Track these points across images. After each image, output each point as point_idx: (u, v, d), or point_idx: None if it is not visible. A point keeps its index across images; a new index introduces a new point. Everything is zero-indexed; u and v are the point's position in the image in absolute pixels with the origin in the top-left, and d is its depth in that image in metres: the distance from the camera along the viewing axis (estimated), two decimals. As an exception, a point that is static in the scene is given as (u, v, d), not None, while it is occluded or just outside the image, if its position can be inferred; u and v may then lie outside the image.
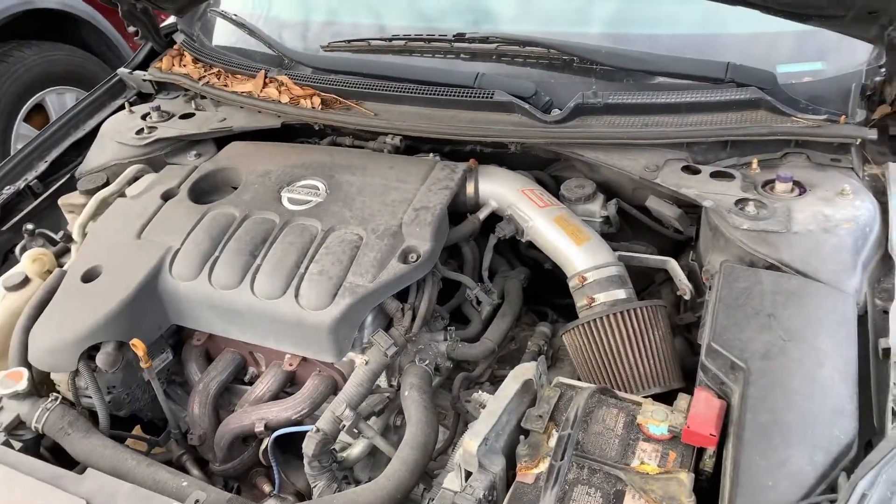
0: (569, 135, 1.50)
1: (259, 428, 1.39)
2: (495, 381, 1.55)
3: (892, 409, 1.00)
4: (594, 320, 1.30)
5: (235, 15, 2.10)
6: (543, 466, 1.04)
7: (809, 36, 1.57)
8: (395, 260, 1.36)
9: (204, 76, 1.98)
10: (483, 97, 1.57)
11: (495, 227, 1.54)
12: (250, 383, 1.54)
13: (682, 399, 1.10)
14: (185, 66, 2.06)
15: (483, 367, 1.53)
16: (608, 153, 1.50)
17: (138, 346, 1.36)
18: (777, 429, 0.98)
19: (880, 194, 1.36)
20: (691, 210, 1.47)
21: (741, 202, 1.33)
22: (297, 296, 1.34)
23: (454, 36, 1.73)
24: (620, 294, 1.35)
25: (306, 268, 1.37)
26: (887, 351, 1.09)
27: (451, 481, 1.09)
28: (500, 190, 1.54)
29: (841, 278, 1.19)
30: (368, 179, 1.54)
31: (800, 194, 1.34)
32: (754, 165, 1.44)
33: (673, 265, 1.41)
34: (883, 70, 1.45)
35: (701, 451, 1.05)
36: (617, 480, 1.01)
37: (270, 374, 1.49)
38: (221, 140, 1.85)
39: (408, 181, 1.52)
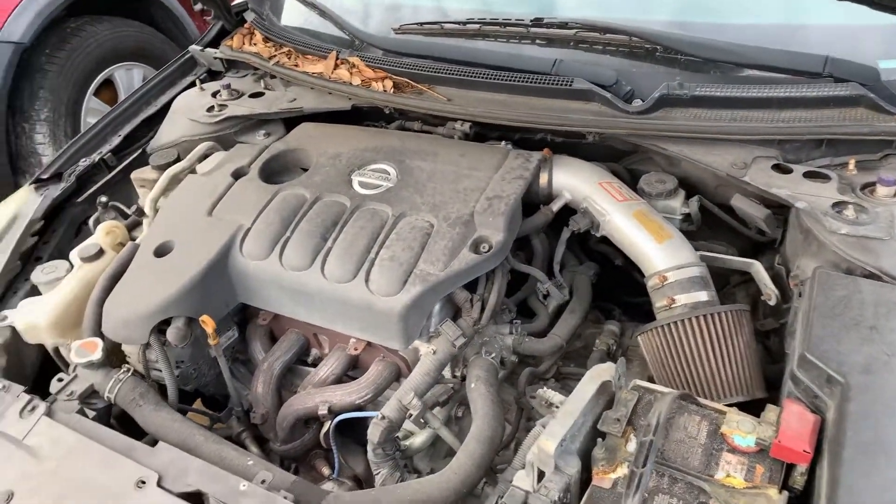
0: (652, 126, 1.44)
1: (323, 411, 1.38)
2: (560, 378, 1.52)
3: None
4: (675, 322, 1.25)
5: (307, -4, 2.09)
6: (621, 471, 1.00)
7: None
8: (467, 249, 1.33)
9: (274, 55, 1.97)
10: (561, 84, 1.51)
11: (569, 220, 1.49)
12: (313, 365, 1.54)
13: (770, 411, 1.04)
14: (255, 44, 2.06)
15: (549, 364, 1.50)
16: (693, 147, 1.43)
17: (208, 323, 1.37)
18: (881, 448, 0.91)
19: None
20: (778, 211, 1.40)
21: (839, 205, 1.25)
22: (367, 281, 1.32)
23: (531, 21, 1.67)
24: (703, 296, 1.29)
25: (377, 253, 1.36)
26: None
27: (520, 479, 1.06)
28: (575, 181, 1.50)
29: (949, 291, 1.11)
30: (440, 166, 1.51)
31: (903, 200, 1.26)
32: (851, 166, 1.36)
33: (758, 268, 1.34)
34: None
35: (790, 468, 0.99)
36: (700, 492, 0.96)
37: (334, 358, 1.48)
38: (290, 120, 1.84)
39: (480, 169, 1.48)
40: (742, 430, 1.02)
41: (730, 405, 1.14)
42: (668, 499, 0.96)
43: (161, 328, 1.41)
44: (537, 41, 1.70)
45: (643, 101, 1.47)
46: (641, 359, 1.45)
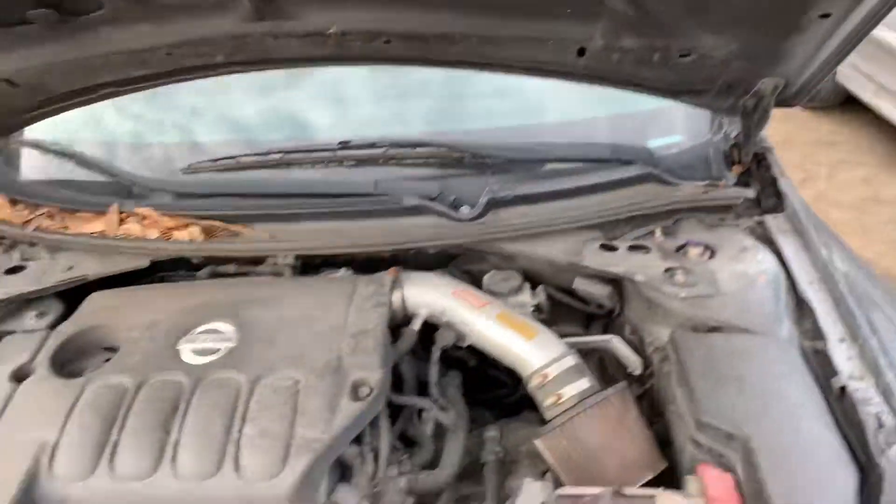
0: (489, 230, 1.48)
1: None
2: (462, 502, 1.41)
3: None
4: (571, 419, 1.25)
5: (56, 144, 1.81)
6: None
7: (660, 113, 1.76)
8: (347, 398, 1.19)
9: (30, 219, 1.64)
10: (392, 203, 1.49)
11: (435, 337, 1.44)
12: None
13: (691, 482, 1.08)
14: (-6, 211, 1.70)
15: (447, 495, 1.39)
16: (528, 243, 1.50)
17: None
18: (801, 494, 0.99)
19: (767, 243, 1.51)
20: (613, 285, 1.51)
21: (669, 271, 1.39)
22: (237, 468, 1.10)
23: (339, 144, 1.64)
24: (585, 384, 1.32)
25: (240, 431, 1.14)
26: (843, 389, 1.18)
27: None
28: (428, 296, 1.45)
29: (775, 329, 1.29)
30: (285, 311, 1.35)
31: (711, 257, 1.45)
32: (658, 235, 1.53)
33: (616, 342, 1.42)
34: (733, 135, 1.65)
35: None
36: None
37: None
38: (66, 296, 1.52)
39: (333, 304, 1.36)
40: (678, 511, 1.03)
41: (643, 485, 1.17)
42: None
43: None
44: (345, 164, 1.67)
45: (472, 208, 1.51)
46: (527, 458, 1.42)
